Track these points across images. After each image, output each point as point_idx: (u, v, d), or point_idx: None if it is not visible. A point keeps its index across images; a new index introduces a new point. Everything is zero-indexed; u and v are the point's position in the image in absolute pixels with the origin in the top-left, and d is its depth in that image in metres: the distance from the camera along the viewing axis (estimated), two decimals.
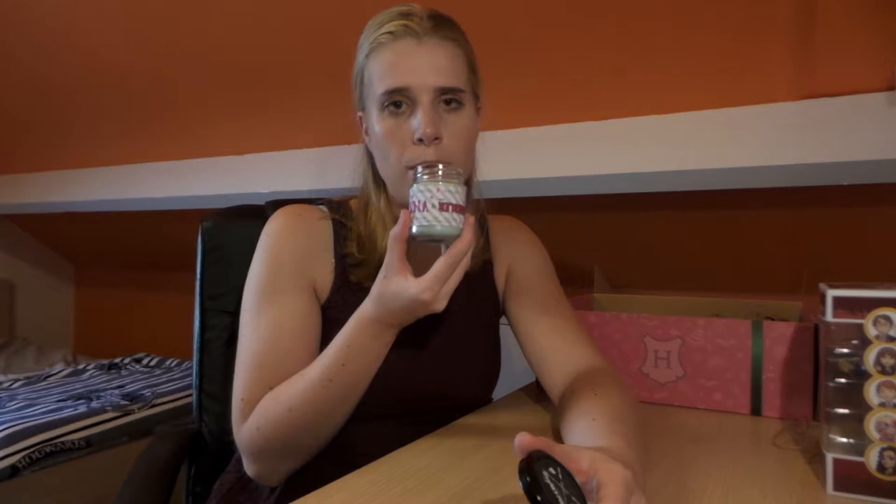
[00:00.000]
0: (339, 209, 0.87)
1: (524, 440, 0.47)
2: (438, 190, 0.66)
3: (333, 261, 0.83)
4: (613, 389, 0.75)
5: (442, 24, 0.77)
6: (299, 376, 0.74)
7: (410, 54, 0.74)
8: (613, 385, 0.76)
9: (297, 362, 0.76)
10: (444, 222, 0.66)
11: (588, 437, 0.64)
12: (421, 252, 0.72)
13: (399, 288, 0.67)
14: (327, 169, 1.74)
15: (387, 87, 0.75)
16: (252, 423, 0.73)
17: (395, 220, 0.84)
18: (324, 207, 0.87)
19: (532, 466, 0.45)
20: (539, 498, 0.43)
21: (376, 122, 0.77)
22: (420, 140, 0.73)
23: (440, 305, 0.67)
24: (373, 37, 0.77)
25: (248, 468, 0.78)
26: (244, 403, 0.75)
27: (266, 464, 0.76)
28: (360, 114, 0.84)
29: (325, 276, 0.83)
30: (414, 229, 0.67)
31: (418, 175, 0.68)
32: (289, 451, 0.75)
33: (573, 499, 0.44)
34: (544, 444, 0.48)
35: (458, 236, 0.67)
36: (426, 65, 0.74)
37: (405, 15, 0.76)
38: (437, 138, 0.74)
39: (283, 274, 0.80)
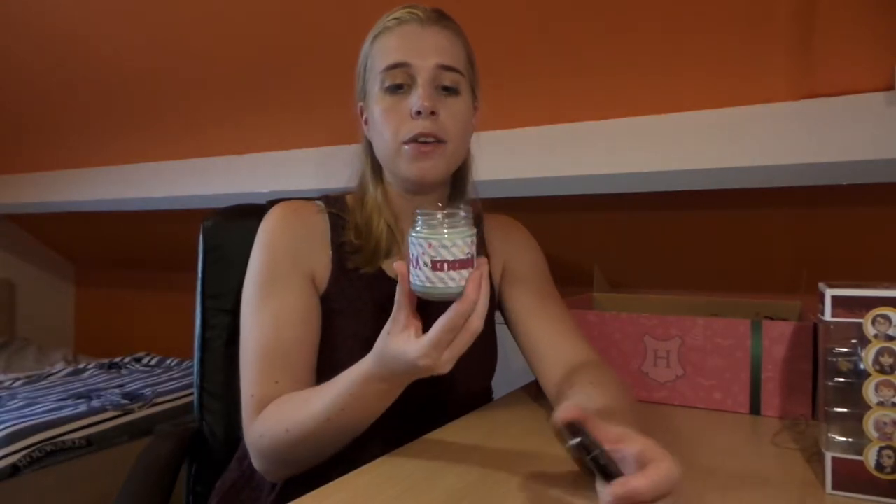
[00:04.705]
0: (336, 203, 0.88)
1: (567, 410, 0.53)
2: (430, 245, 0.57)
3: (331, 252, 0.84)
4: (612, 384, 0.76)
5: (445, 17, 0.82)
6: (302, 403, 0.71)
7: (414, 36, 0.79)
8: (611, 380, 0.77)
9: (299, 353, 0.77)
10: (440, 283, 0.57)
11: None
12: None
13: (398, 351, 0.61)
14: (328, 168, 1.74)
15: (388, 63, 0.78)
16: (257, 428, 0.74)
17: (392, 208, 0.85)
18: (320, 202, 0.89)
19: (580, 429, 0.52)
20: (592, 452, 0.50)
21: (376, 103, 0.80)
22: (418, 113, 0.76)
23: (444, 370, 0.60)
24: (379, 24, 0.82)
25: (254, 462, 0.78)
26: (254, 399, 0.75)
27: (269, 465, 0.77)
28: (360, 104, 0.86)
29: (322, 267, 0.84)
30: (411, 285, 0.60)
31: (416, 220, 0.60)
32: (289, 463, 0.76)
33: (611, 462, 0.51)
34: (582, 415, 0.53)
35: (460, 294, 0.58)
36: (428, 46, 0.79)
37: (411, 6, 0.81)
38: (433, 112, 0.77)
39: (280, 267, 0.81)
